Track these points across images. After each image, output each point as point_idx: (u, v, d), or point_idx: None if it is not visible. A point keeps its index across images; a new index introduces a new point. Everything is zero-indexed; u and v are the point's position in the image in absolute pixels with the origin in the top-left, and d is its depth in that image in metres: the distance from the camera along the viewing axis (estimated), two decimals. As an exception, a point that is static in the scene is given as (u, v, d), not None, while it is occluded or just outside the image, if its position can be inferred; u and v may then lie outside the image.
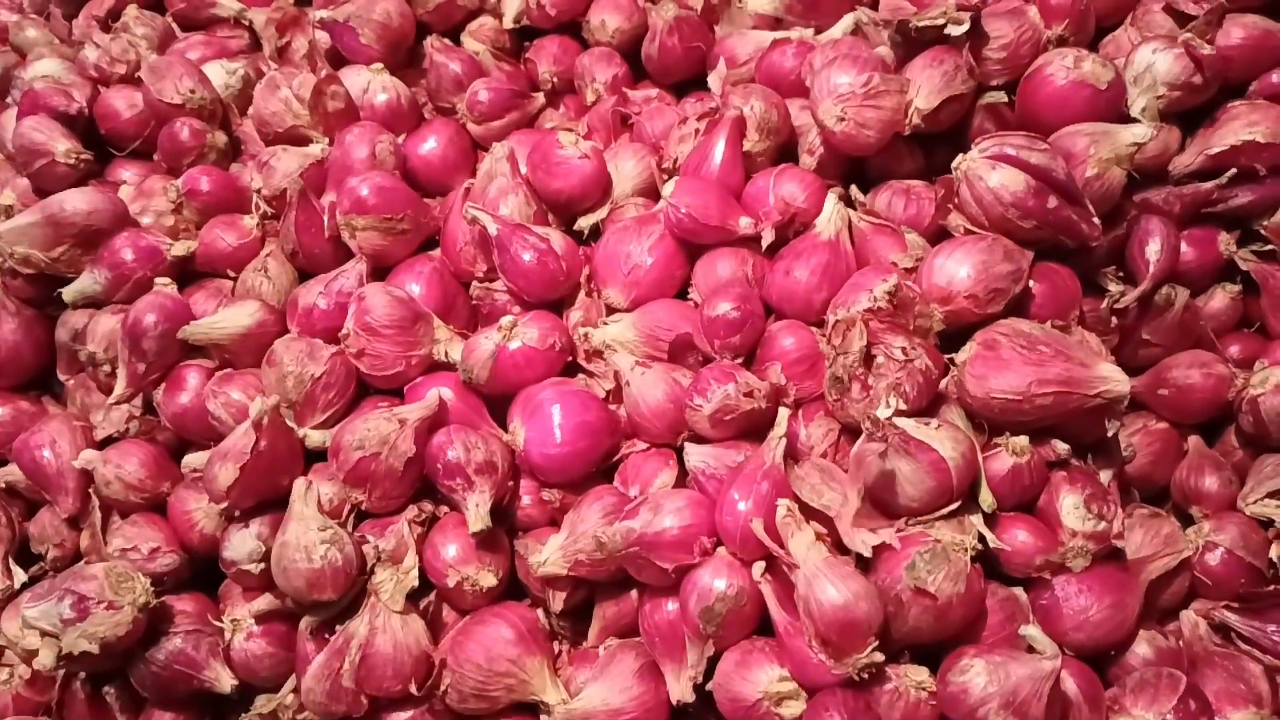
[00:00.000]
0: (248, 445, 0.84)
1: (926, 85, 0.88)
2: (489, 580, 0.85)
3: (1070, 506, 0.78)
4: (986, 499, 0.76)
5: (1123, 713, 0.74)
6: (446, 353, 0.93)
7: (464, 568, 0.84)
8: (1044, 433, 0.80)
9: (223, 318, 0.95)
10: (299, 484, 0.87)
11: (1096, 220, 0.84)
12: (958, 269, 0.81)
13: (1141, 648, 0.80)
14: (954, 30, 0.88)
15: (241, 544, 0.87)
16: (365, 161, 1.00)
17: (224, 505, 0.87)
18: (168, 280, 0.99)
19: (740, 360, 0.86)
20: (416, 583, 0.84)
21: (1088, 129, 0.85)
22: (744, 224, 0.90)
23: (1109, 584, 0.78)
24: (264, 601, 0.88)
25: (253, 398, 0.89)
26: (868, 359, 0.78)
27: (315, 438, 0.90)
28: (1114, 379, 0.76)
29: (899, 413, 0.74)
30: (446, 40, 1.14)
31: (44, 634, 0.83)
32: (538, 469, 0.87)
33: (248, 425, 0.85)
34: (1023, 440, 0.78)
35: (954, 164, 0.84)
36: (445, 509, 0.89)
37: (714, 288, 0.89)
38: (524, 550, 0.87)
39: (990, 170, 0.82)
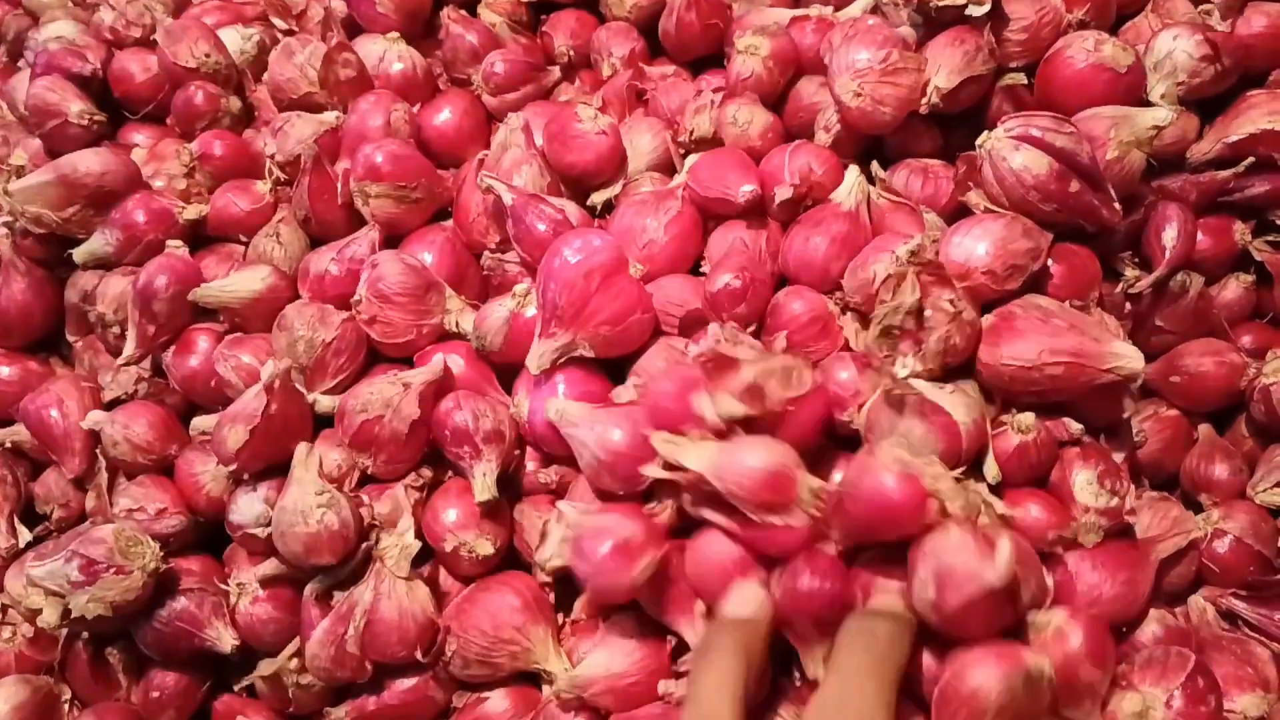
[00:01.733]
0: (259, 408, 0.84)
1: (947, 65, 0.88)
2: (486, 549, 0.84)
3: (1083, 482, 0.78)
4: (991, 470, 0.76)
5: (1130, 688, 0.73)
6: (457, 323, 0.93)
7: (462, 534, 0.84)
8: (1057, 411, 0.79)
9: (235, 281, 0.95)
10: (300, 448, 0.87)
11: (1118, 205, 0.84)
12: (976, 246, 0.80)
13: (1151, 626, 0.80)
14: (975, 11, 0.88)
15: (249, 507, 0.87)
16: (380, 129, 1.00)
17: (232, 468, 0.87)
18: (179, 243, 0.98)
19: (751, 330, 0.85)
20: (418, 547, 0.84)
21: (1108, 112, 0.85)
22: (745, 191, 0.89)
23: (1121, 560, 0.78)
24: (269, 566, 0.88)
25: (263, 361, 0.89)
26: (917, 313, 0.77)
27: (325, 403, 0.90)
28: (1127, 355, 0.76)
29: (915, 374, 0.74)
30: (464, 11, 1.13)
31: (49, 593, 0.83)
32: (541, 440, 0.86)
33: (259, 388, 0.85)
34: (1029, 417, 0.77)
35: (979, 141, 0.84)
36: (451, 474, 0.89)
37: (718, 260, 0.89)
38: (520, 516, 0.87)
39: (1014, 151, 0.82)
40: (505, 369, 0.92)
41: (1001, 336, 0.77)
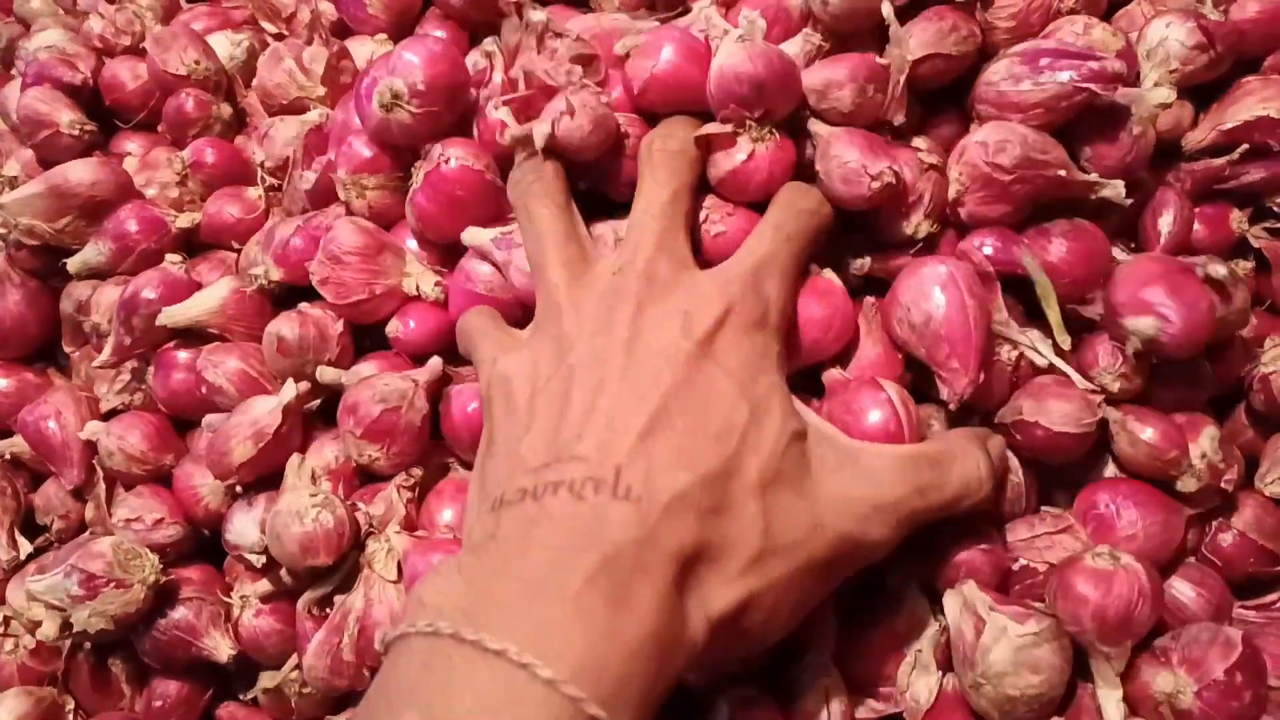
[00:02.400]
0: (271, 426, 0.85)
1: (918, 38, 0.86)
2: None
3: (1209, 435, 0.81)
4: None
5: (1168, 665, 0.74)
6: (418, 285, 0.91)
7: (458, 533, 0.84)
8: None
9: (198, 298, 0.94)
10: (293, 460, 0.87)
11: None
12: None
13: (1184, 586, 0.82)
14: (962, -4, 0.87)
15: (244, 531, 0.87)
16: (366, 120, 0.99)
17: (230, 481, 0.87)
18: (179, 258, 0.98)
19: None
20: (404, 548, 0.83)
21: (1122, 92, 0.84)
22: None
23: (1160, 505, 0.80)
24: (266, 584, 0.89)
25: (252, 366, 0.89)
26: None
27: (329, 374, 0.89)
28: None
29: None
30: (439, 11, 1.12)
31: (49, 607, 0.84)
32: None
33: (275, 406, 0.85)
34: None
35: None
36: (454, 470, 0.90)
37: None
38: None
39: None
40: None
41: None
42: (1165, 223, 0.88)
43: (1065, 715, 0.76)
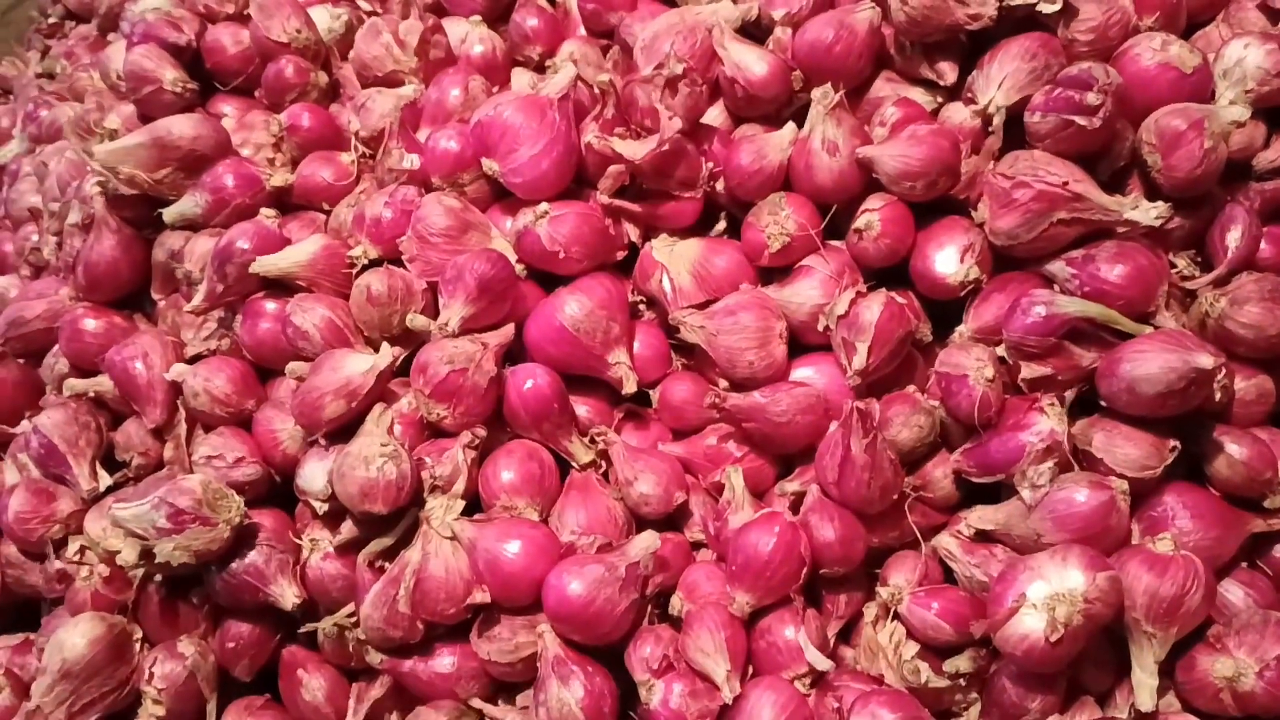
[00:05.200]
0: (365, 388, 0.89)
1: (1012, 79, 0.90)
2: (531, 515, 0.88)
3: None
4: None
5: (1224, 651, 0.75)
6: None
7: (515, 497, 0.88)
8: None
9: (291, 251, 0.98)
10: (377, 408, 0.91)
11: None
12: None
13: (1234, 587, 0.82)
14: (1046, 9, 0.89)
15: (314, 477, 0.91)
16: (459, 99, 1.03)
17: (318, 435, 0.91)
18: (273, 213, 1.02)
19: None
20: (461, 507, 0.87)
21: (1196, 107, 0.86)
22: None
23: (1218, 518, 0.80)
24: (339, 532, 0.91)
25: (340, 317, 0.94)
26: None
27: (419, 321, 0.93)
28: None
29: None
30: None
31: (130, 534, 0.87)
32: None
33: (371, 368, 0.89)
34: None
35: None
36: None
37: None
38: None
39: None
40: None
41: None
42: (1233, 238, 0.89)
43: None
